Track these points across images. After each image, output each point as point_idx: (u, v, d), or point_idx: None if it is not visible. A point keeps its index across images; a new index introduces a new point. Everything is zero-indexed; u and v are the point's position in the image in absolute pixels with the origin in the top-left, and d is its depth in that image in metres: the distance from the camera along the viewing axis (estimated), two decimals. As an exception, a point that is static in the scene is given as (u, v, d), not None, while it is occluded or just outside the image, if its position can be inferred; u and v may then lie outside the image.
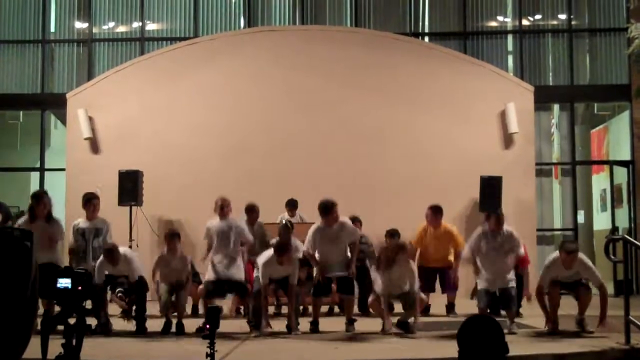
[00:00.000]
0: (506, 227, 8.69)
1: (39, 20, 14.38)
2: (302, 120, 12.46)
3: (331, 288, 8.84)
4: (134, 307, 8.63)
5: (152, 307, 8.80)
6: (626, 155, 13.70)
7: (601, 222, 14.49)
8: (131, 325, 8.43)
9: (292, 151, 12.36)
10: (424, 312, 9.38)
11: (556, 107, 14.68)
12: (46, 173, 13.62)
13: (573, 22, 14.30)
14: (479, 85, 12.69)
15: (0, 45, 14.51)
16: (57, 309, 3.92)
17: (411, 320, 8.20)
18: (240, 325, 8.52)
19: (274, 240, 8.83)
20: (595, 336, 7.74)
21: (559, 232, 13.63)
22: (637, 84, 13.18)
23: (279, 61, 12.78)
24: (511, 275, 8.51)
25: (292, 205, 10.80)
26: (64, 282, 3.91)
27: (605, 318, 7.83)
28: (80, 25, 14.61)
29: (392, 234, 9.92)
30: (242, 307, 9.64)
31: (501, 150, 12.54)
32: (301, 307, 9.23)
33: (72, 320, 3.87)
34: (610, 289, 12.33)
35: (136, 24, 14.42)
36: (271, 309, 9.69)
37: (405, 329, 8.19)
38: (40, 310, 4.39)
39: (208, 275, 8.77)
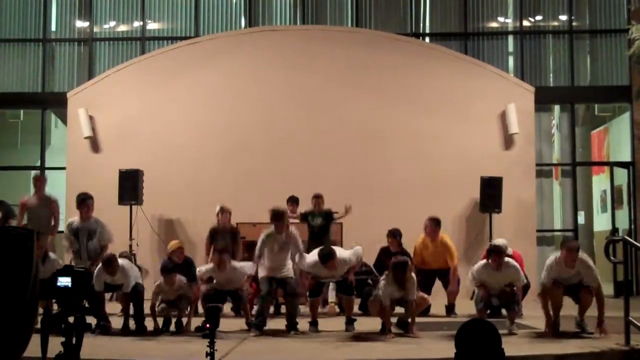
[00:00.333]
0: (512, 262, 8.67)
1: (39, 19, 14.37)
2: (302, 120, 12.46)
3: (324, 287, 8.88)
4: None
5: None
6: (626, 157, 13.70)
7: (601, 223, 14.50)
8: (130, 324, 8.44)
9: (292, 151, 12.36)
10: (424, 313, 9.39)
11: (557, 108, 14.68)
12: (46, 172, 13.61)
13: (574, 23, 14.30)
14: (480, 86, 12.69)
15: (1, 44, 14.51)
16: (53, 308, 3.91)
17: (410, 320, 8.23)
18: (240, 324, 8.52)
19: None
20: (595, 337, 7.74)
21: (559, 233, 13.62)
22: (637, 85, 13.19)
23: (280, 61, 12.78)
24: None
25: (293, 201, 10.80)
26: (64, 281, 3.91)
27: (603, 322, 7.80)
28: (81, 24, 14.61)
29: (394, 234, 9.91)
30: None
31: (501, 150, 12.54)
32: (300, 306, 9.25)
33: (71, 319, 3.87)
34: (610, 290, 12.35)
35: (137, 24, 14.42)
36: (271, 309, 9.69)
37: (404, 328, 8.20)
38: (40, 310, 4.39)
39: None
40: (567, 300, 8.43)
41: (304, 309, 9.34)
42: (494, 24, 14.58)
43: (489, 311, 8.89)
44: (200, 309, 9.58)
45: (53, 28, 14.61)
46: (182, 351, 7.25)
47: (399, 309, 8.56)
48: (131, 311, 8.47)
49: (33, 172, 12.59)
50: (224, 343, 6.78)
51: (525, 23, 14.28)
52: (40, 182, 10.80)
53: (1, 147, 15.61)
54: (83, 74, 14.13)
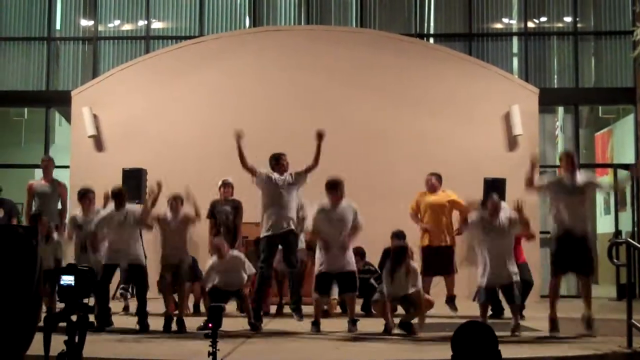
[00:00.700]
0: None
1: (44, 17, 14.41)
2: (306, 120, 12.43)
3: (331, 287, 8.82)
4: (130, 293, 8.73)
5: (153, 304, 8.81)
6: (630, 159, 13.68)
7: (604, 225, 14.49)
8: (133, 323, 8.45)
9: (296, 150, 12.27)
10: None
11: (561, 109, 14.68)
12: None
13: (578, 25, 14.29)
14: (484, 87, 12.68)
15: (6, 43, 14.56)
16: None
17: (416, 321, 8.21)
18: (243, 324, 8.52)
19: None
20: (597, 340, 7.73)
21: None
22: (642, 87, 13.19)
23: (284, 61, 12.79)
24: (514, 268, 8.41)
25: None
26: (67, 280, 3.91)
27: None
28: (85, 23, 14.64)
29: (398, 235, 9.90)
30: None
31: (505, 152, 12.53)
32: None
33: (74, 318, 3.88)
34: (613, 292, 12.36)
35: (141, 23, 14.45)
36: (272, 309, 9.71)
37: (407, 330, 8.18)
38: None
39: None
40: (568, 302, 8.44)
41: (305, 309, 9.36)
42: (499, 25, 14.58)
43: (491, 312, 8.89)
44: (202, 309, 9.65)
45: (58, 27, 14.65)
46: (185, 350, 7.26)
47: (400, 311, 8.56)
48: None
49: (36, 170, 12.60)
50: (226, 343, 6.79)
51: (530, 24, 14.27)
52: (49, 164, 10.62)
53: (5, 145, 15.64)
54: (87, 73, 14.16)
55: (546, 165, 13.57)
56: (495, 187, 11.40)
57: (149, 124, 12.63)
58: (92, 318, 3.97)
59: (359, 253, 9.93)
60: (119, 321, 8.67)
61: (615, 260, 8.67)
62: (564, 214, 8.15)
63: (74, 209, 9.79)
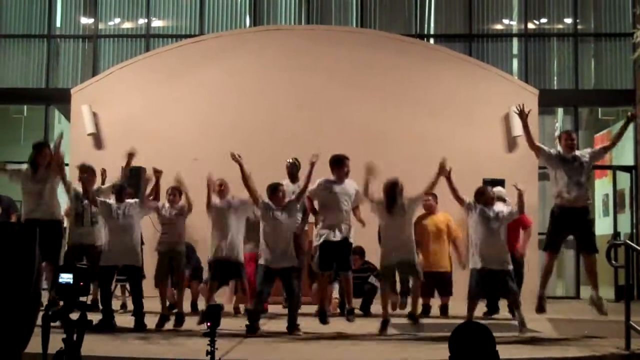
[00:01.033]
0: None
1: (44, 15, 14.41)
2: (306, 120, 12.47)
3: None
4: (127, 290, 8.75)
5: (152, 302, 8.81)
6: (629, 161, 13.68)
7: (603, 227, 14.47)
8: (131, 322, 8.46)
9: (296, 150, 12.30)
10: (424, 314, 9.39)
11: (560, 111, 14.68)
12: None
13: (578, 27, 14.30)
14: (484, 88, 12.69)
15: (6, 40, 14.56)
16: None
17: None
18: (240, 324, 8.51)
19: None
20: (596, 341, 7.74)
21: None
22: (641, 89, 13.20)
23: (284, 61, 12.79)
24: (507, 257, 8.35)
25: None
26: (66, 278, 3.91)
27: None
28: (85, 20, 14.64)
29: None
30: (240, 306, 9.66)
31: (505, 153, 12.54)
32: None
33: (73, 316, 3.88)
34: (611, 294, 12.36)
35: (142, 21, 14.45)
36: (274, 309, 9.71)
37: (415, 320, 8.21)
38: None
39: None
40: (569, 304, 8.43)
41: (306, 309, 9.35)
42: (499, 26, 14.58)
43: (486, 310, 8.88)
44: (200, 306, 9.65)
45: (58, 24, 14.66)
46: (183, 349, 7.25)
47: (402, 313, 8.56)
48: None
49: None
50: (224, 341, 6.78)
51: (530, 26, 14.28)
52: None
53: (4, 142, 15.61)
54: (87, 71, 14.16)
55: (545, 167, 13.52)
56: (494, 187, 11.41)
57: (149, 123, 12.62)
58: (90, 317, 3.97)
59: (358, 252, 9.92)
60: (117, 319, 8.65)
61: (613, 262, 8.66)
62: (564, 187, 8.16)
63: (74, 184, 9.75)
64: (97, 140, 12.76)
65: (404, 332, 8.39)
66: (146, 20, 14.36)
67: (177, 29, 14.49)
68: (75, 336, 3.82)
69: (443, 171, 8.37)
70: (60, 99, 13.69)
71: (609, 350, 7.16)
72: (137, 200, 8.96)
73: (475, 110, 12.60)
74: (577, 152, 8.37)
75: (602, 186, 15.17)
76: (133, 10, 14.48)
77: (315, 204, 8.77)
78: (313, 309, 9.18)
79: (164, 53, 13.20)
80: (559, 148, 8.47)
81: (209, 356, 4.51)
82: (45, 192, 8.69)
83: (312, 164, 8.45)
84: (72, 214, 9.13)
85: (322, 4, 14.28)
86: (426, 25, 14.44)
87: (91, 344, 4.84)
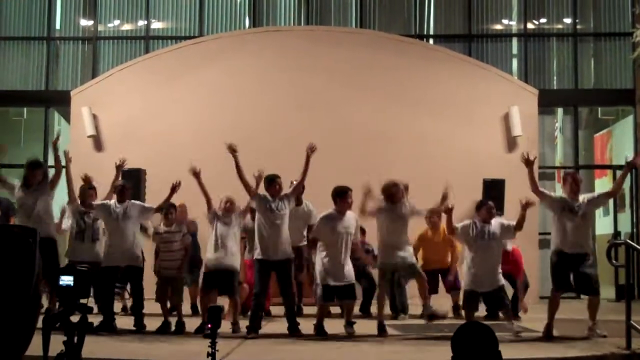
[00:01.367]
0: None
1: (44, 17, 14.41)
2: (306, 121, 12.45)
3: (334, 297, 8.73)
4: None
5: (153, 305, 8.81)
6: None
7: (604, 226, 14.48)
8: (130, 323, 8.47)
9: (296, 151, 12.25)
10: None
11: (560, 110, 14.68)
12: (49, 170, 13.61)
13: (578, 26, 14.30)
14: (483, 88, 12.69)
15: (6, 42, 14.56)
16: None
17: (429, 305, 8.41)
18: (240, 325, 8.51)
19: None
20: (597, 341, 7.74)
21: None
22: (641, 88, 13.20)
23: (284, 61, 12.78)
24: (500, 274, 8.38)
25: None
26: (66, 280, 3.91)
27: None
28: (85, 23, 14.64)
29: None
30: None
31: (505, 153, 12.52)
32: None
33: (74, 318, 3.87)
34: (611, 293, 12.36)
35: (141, 23, 14.45)
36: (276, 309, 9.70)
37: (433, 317, 8.24)
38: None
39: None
40: (569, 303, 8.43)
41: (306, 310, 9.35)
42: (498, 26, 14.58)
43: (486, 313, 8.89)
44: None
45: (57, 26, 14.66)
46: (184, 351, 7.26)
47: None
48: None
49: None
50: (225, 343, 6.79)
51: (530, 26, 14.28)
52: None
53: (4, 144, 15.61)
54: (87, 73, 14.16)
55: (545, 167, 13.58)
56: (494, 188, 11.42)
57: (149, 124, 12.62)
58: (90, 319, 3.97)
59: (360, 228, 9.96)
60: (117, 321, 8.65)
61: (614, 262, 8.67)
62: (566, 234, 8.14)
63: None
64: (97, 142, 12.75)
65: (404, 332, 8.39)
66: (146, 22, 14.37)
67: (177, 30, 14.49)
68: (75, 339, 3.82)
69: (445, 201, 8.47)
70: (60, 101, 13.68)
71: (609, 349, 7.16)
72: (141, 203, 8.97)
73: (475, 111, 12.60)
74: (581, 198, 8.24)
75: (602, 185, 15.14)
76: (132, 12, 14.48)
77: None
78: (313, 309, 9.17)
79: (164, 55, 13.20)
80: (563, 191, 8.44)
81: (210, 358, 4.51)
82: (37, 210, 8.69)
83: (308, 157, 8.45)
84: (73, 230, 9.08)
85: (322, 5, 14.28)
86: (425, 26, 14.44)
87: (92, 346, 4.84)
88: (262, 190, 8.61)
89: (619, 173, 13.58)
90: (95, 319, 8.07)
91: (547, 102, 13.34)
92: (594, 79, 14.32)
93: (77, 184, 9.21)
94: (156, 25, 14.59)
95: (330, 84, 12.65)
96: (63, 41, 14.64)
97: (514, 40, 14.45)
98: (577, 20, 14.26)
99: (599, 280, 8.20)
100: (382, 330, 8.21)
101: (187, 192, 12.24)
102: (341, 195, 8.44)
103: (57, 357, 3.78)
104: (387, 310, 9.00)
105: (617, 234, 13.29)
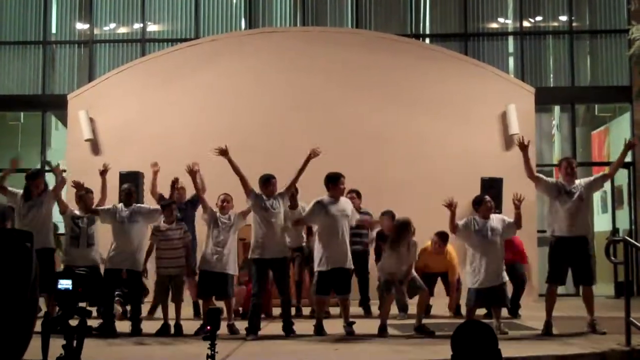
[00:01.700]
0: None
1: (40, 21, 14.39)
2: (302, 122, 12.46)
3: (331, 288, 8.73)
4: (129, 308, 8.71)
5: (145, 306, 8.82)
6: (627, 157, 13.64)
7: (602, 223, 14.48)
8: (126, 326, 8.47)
9: (293, 152, 12.28)
10: (426, 313, 9.38)
11: (557, 108, 14.68)
12: (47, 174, 13.59)
13: (574, 24, 14.31)
14: (480, 87, 12.69)
15: (2, 47, 14.54)
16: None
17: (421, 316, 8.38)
18: (240, 327, 8.51)
19: None
20: (596, 337, 7.74)
21: (559, 234, 13.61)
22: (638, 85, 13.20)
23: (280, 62, 12.78)
24: (503, 270, 8.42)
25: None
26: (65, 284, 3.91)
27: None
28: (81, 26, 14.63)
29: (387, 213, 9.86)
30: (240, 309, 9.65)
31: (502, 151, 12.53)
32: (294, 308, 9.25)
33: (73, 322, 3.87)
34: (610, 290, 12.37)
35: (137, 25, 14.44)
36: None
37: (426, 332, 8.18)
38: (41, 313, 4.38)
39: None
40: (568, 301, 8.44)
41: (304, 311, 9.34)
42: (494, 25, 14.59)
43: (485, 312, 8.90)
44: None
45: (53, 30, 14.63)
46: (183, 353, 7.26)
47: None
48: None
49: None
50: (224, 345, 6.78)
51: (526, 24, 14.28)
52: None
53: (1, 149, 15.59)
54: (83, 76, 14.14)
55: (543, 164, 13.57)
56: (492, 186, 11.44)
57: (146, 127, 12.61)
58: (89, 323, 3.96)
59: (356, 192, 10.00)
60: (117, 325, 8.64)
61: (612, 259, 8.68)
62: (564, 217, 8.18)
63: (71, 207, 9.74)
64: (94, 146, 12.73)
65: (404, 332, 8.39)
66: (142, 25, 14.35)
67: (173, 33, 14.48)
68: (75, 342, 3.81)
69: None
70: (57, 105, 13.67)
71: (609, 346, 7.17)
72: (147, 206, 8.97)
73: (471, 109, 12.60)
74: (577, 182, 8.33)
75: (600, 183, 15.16)
76: (128, 15, 14.47)
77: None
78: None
79: (160, 57, 13.19)
80: (559, 177, 8.48)
81: (209, 359, 4.50)
82: (37, 220, 8.69)
83: (309, 159, 8.46)
84: (67, 236, 9.07)
85: (317, 6, 14.28)
86: (421, 25, 14.44)
87: (91, 349, 4.84)
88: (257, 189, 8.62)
89: (617, 170, 13.64)
90: (92, 323, 8.10)
91: (544, 100, 13.34)
92: (590, 76, 14.32)
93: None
94: (152, 28, 14.58)
95: (326, 84, 12.64)
96: (59, 45, 14.62)
97: (510, 39, 14.46)
98: (572, 18, 14.27)
99: (595, 272, 8.25)
100: (382, 331, 8.21)
101: (188, 194, 12.28)
102: (334, 181, 8.52)
103: (57, 361, 3.78)
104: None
105: (615, 231, 13.30)
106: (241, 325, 8.47)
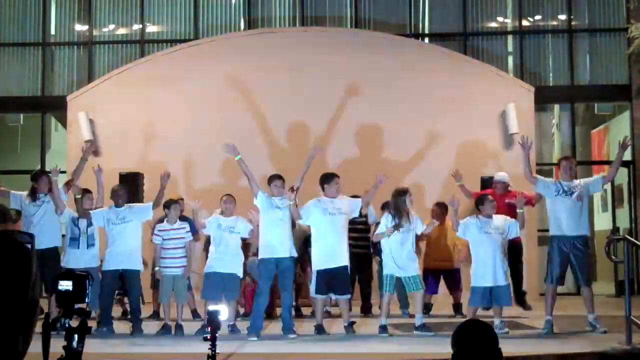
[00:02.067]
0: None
1: (39, 22, 14.39)
2: (302, 122, 12.46)
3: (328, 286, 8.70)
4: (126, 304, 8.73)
5: (148, 308, 8.82)
6: (627, 156, 13.66)
7: (602, 222, 14.50)
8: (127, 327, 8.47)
9: (293, 152, 12.36)
10: (426, 311, 9.39)
11: (556, 107, 14.68)
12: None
13: (573, 23, 14.31)
14: (479, 86, 12.69)
15: (1, 48, 14.54)
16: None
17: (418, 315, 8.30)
18: (241, 327, 8.51)
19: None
20: (597, 336, 7.74)
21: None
22: (637, 83, 13.20)
23: (280, 63, 12.77)
24: (507, 268, 8.41)
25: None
26: (65, 285, 3.90)
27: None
28: (80, 27, 14.62)
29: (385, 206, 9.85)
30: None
31: (502, 150, 12.53)
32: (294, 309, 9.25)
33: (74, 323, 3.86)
34: (611, 289, 12.37)
35: (136, 26, 14.44)
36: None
37: (426, 331, 8.16)
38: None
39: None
40: (569, 300, 8.44)
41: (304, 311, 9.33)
42: (493, 24, 14.59)
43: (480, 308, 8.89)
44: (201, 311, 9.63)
45: (52, 31, 14.63)
46: (184, 354, 7.25)
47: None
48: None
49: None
50: (225, 345, 6.78)
51: (525, 22, 14.29)
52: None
53: (1, 151, 15.59)
54: (83, 78, 14.14)
55: (542, 163, 13.58)
56: (492, 185, 11.42)
57: (145, 128, 12.61)
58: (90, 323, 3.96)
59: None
60: (116, 326, 8.64)
61: (613, 257, 8.68)
62: (563, 216, 8.18)
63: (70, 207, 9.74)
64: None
65: (404, 331, 8.39)
66: (141, 26, 14.35)
67: (172, 33, 14.48)
68: (75, 343, 3.80)
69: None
70: (57, 107, 13.68)
71: (610, 345, 7.16)
72: (139, 204, 8.98)
73: (471, 108, 12.60)
74: (576, 182, 8.34)
75: (600, 181, 15.17)
76: (127, 16, 14.47)
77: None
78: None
79: (159, 58, 13.20)
80: (559, 177, 8.49)
81: (210, 360, 4.50)
82: (43, 220, 8.69)
83: (312, 157, 8.47)
84: (67, 237, 9.06)
85: (316, 6, 14.28)
86: (421, 24, 14.44)
87: (91, 350, 4.84)
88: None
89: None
90: (92, 324, 8.10)
91: (544, 99, 13.35)
92: (589, 74, 14.33)
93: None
94: (151, 28, 14.58)
95: (326, 84, 12.64)
96: (58, 46, 14.63)
97: (510, 38, 14.46)
98: (572, 17, 14.27)
99: (594, 272, 8.25)
100: (383, 331, 8.20)
101: (187, 198, 12.29)
102: (328, 181, 8.52)
103: (57, 363, 3.77)
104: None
105: (615, 229, 13.30)
106: (241, 326, 8.47)
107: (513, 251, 9.48)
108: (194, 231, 9.12)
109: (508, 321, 8.50)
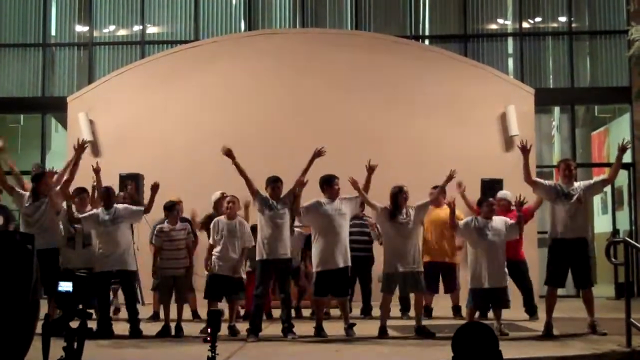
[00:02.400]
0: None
1: (39, 23, 14.41)
2: (302, 123, 12.46)
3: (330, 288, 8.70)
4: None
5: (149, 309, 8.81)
6: (627, 158, 13.66)
7: (602, 224, 14.49)
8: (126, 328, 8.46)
9: (292, 154, 12.31)
10: (427, 314, 9.38)
11: (557, 109, 14.69)
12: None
13: (573, 25, 14.32)
14: (480, 88, 12.69)
15: (1, 49, 14.55)
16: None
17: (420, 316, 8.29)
18: (241, 329, 8.51)
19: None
20: (596, 339, 7.74)
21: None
22: (637, 86, 13.21)
23: (280, 64, 12.78)
24: (505, 271, 8.40)
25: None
26: (65, 286, 3.90)
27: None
28: (80, 28, 14.64)
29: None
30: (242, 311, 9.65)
31: (502, 153, 12.53)
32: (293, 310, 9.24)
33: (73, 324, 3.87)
34: (611, 291, 12.36)
35: (137, 27, 14.45)
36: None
37: (426, 333, 8.15)
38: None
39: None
40: (568, 302, 8.43)
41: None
42: (494, 26, 14.60)
43: (477, 313, 8.89)
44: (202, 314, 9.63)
45: (53, 32, 14.65)
46: (184, 355, 7.25)
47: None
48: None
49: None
50: (225, 347, 6.78)
51: (525, 25, 14.30)
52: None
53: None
54: (83, 78, 14.15)
55: (542, 166, 13.57)
56: (492, 187, 11.43)
57: (145, 129, 12.61)
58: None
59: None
60: (115, 327, 8.63)
61: (613, 260, 8.68)
62: (563, 219, 8.18)
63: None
64: (94, 148, 12.72)
65: (404, 333, 8.38)
66: (141, 27, 14.36)
67: (172, 34, 14.49)
68: (75, 344, 3.81)
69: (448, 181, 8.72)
70: (57, 107, 13.68)
71: (610, 347, 7.17)
72: (129, 206, 8.95)
73: (471, 111, 12.60)
74: (576, 184, 8.34)
75: (600, 184, 15.16)
76: (128, 17, 14.48)
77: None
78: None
79: (160, 59, 13.20)
80: (558, 179, 8.50)
81: (210, 361, 4.50)
82: (43, 220, 8.67)
83: (313, 158, 8.47)
84: (64, 237, 9.05)
85: (317, 7, 14.29)
86: (421, 26, 14.45)
87: (91, 351, 4.83)
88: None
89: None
90: (92, 324, 8.09)
91: (544, 101, 13.35)
92: (590, 77, 14.34)
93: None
94: (152, 30, 14.59)
95: (325, 85, 12.64)
96: (59, 47, 14.64)
97: (510, 40, 14.47)
98: (572, 19, 14.29)
99: (594, 275, 8.24)
100: (383, 332, 8.20)
101: (186, 199, 12.29)
102: (328, 182, 8.59)
103: (57, 363, 3.77)
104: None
105: (615, 232, 13.30)
106: (241, 327, 8.47)
107: (519, 272, 9.49)
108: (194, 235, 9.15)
109: (508, 324, 8.50)
